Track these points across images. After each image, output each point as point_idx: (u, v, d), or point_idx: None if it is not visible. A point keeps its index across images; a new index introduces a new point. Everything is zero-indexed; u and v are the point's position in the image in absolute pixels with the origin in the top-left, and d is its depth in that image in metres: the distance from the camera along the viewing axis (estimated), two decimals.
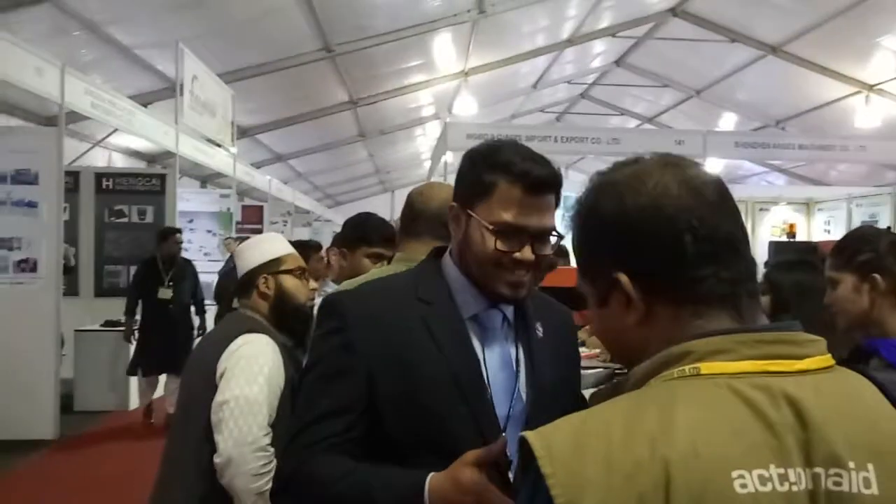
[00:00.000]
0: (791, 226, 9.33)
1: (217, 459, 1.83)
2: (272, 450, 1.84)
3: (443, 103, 13.84)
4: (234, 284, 2.31)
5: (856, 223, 9.38)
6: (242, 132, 11.25)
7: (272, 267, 2.21)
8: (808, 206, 10.21)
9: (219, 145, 9.38)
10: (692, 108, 13.89)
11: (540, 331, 1.38)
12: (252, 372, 1.90)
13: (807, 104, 11.85)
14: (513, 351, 1.35)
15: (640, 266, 0.82)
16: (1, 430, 5.79)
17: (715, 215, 0.82)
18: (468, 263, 1.32)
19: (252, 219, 11.83)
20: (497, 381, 1.30)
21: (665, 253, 0.81)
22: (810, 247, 5.76)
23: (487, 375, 1.30)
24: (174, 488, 2.03)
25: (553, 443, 0.73)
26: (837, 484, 0.72)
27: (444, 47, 10.26)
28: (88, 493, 4.94)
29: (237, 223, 10.65)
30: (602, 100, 15.71)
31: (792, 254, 5.31)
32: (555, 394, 1.32)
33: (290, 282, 2.22)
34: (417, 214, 1.81)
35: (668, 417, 0.72)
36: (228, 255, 8.88)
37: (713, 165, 12.35)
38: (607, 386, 0.86)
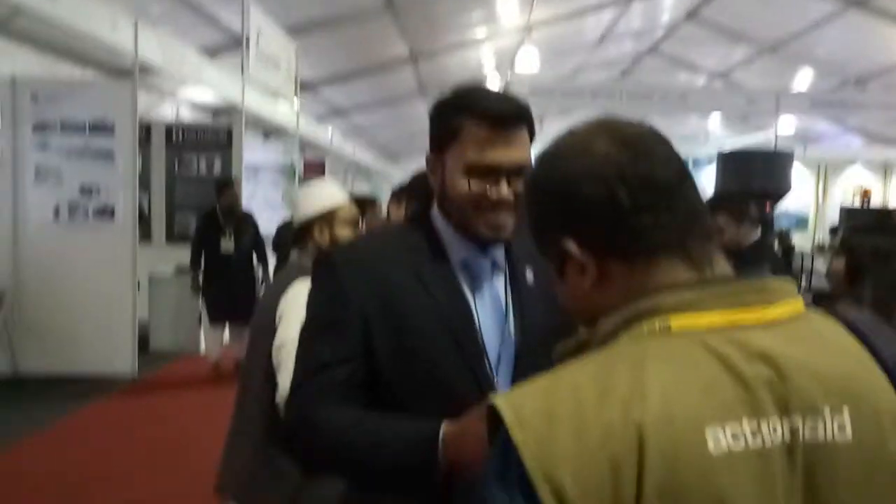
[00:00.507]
0: (866, 191, 8.94)
1: (278, 399, 1.91)
2: None
3: (504, 60, 13.65)
4: (292, 234, 2.37)
5: None
6: (303, 86, 11.36)
7: (327, 217, 2.28)
8: (885, 169, 9.73)
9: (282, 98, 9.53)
10: (766, 63, 13.32)
11: (530, 276, 1.39)
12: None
13: (889, 61, 11.25)
14: (503, 296, 1.37)
15: (583, 229, 0.83)
16: (84, 364, 6.21)
17: (647, 164, 0.82)
18: (450, 211, 1.33)
19: (314, 172, 11.99)
20: (487, 325, 1.32)
21: (603, 210, 0.81)
22: (886, 213, 5.57)
23: (479, 320, 1.32)
24: (243, 431, 2.15)
25: (523, 409, 0.71)
26: (814, 433, 0.72)
27: (506, 0, 10.09)
28: (165, 427, 5.23)
29: (299, 176, 10.82)
30: (670, 55, 15.20)
31: (870, 219, 5.14)
32: (544, 338, 1.27)
33: (343, 232, 2.27)
34: None
35: (640, 379, 0.70)
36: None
37: (786, 124, 11.91)
38: (571, 341, 0.87)
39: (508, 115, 1.27)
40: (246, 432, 2.15)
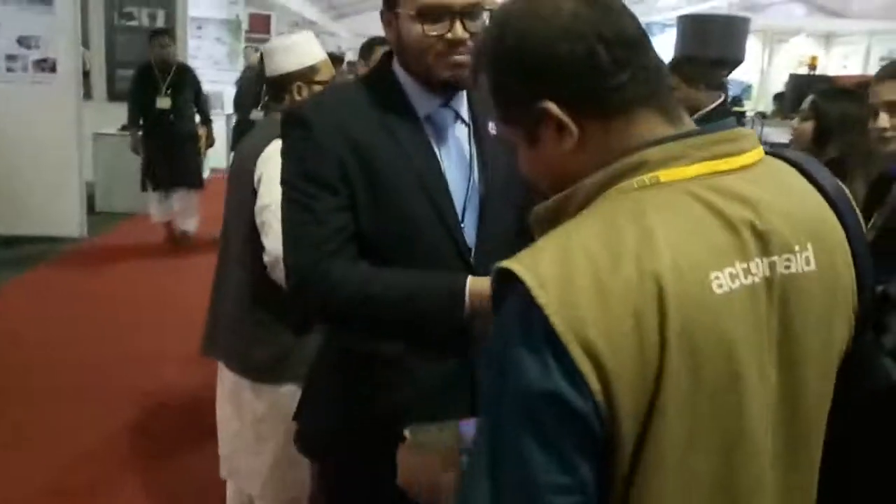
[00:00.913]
0: (813, 58, 9.11)
1: (266, 258, 1.92)
2: None
3: None
4: (260, 88, 2.30)
5: (873, 59, 9.19)
6: None
7: (307, 75, 2.15)
8: (826, 38, 9.89)
9: None
10: None
11: (493, 128, 1.42)
12: None
13: None
14: (466, 147, 1.40)
15: (561, 90, 0.81)
16: (31, 225, 6.10)
17: (617, 19, 0.82)
18: (409, 63, 1.34)
19: (259, 28, 11.45)
20: (454, 176, 1.36)
21: (582, 69, 0.80)
22: (825, 80, 5.74)
23: (445, 171, 1.36)
24: (227, 294, 2.16)
25: (542, 274, 0.71)
26: (787, 267, 0.78)
27: None
28: (115, 290, 5.19)
29: (245, 32, 10.35)
30: None
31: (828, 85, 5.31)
32: (507, 186, 1.39)
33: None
34: None
35: (645, 231, 0.72)
36: (245, 64, 8.69)
37: None
38: (550, 203, 0.85)
39: None
40: (230, 295, 2.16)
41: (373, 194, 1.31)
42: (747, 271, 0.75)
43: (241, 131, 5.23)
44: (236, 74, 10.30)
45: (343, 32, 20.62)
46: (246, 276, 2.09)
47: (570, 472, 0.70)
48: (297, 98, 2.13)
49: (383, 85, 1.38)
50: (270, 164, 1.92)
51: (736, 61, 5.01)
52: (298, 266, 1.32)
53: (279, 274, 1.89)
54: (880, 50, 9.18)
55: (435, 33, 1.28)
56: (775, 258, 0.77)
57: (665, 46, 11.20)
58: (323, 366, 1.53)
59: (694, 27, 5.24)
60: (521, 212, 1.41)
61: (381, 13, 1.36)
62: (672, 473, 0.72)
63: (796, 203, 0.82)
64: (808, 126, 2.40)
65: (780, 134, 4.80)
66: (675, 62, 3.65)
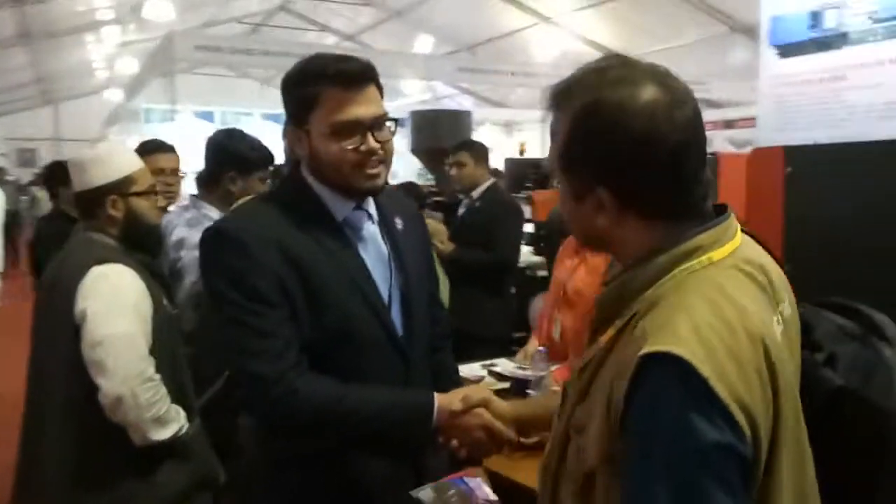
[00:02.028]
0: (522, 144, 10.61)
1: (105, 400, 1.76)
2: (158, 377, 1.82)
3: (125, 6, 12.44)
4: (78, 203, 2.02)
5: (547, 142, 10.95)
6: None
7: (122, 187, 1.98)
8: (507, 126, 11.57)
9: None
10: (391, 27, 14.42)
11: (399, 223, 1.56)
12: (117, 306, 1.81)
13: (494, 31, 13.10)
14: (382, 244, 1.51)
15: (626, 187, 0.93)
16: None
17: (701, 133, 0.93)
18: (325, 175, 1.42)
19: None
20: (376, 272, 1.47)
21: (658, 180, 0.92)
22: (536, 163, 6.68)
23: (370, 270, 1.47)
24: (49, 439, 1.90)
25: (695, 351, 0.83)
26: (783, 314, 0.98)
27: None
28: None
29: None
30: (300, 13, 15.47)
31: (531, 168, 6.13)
32: (419, 274, 1.56)
33: (141, 204, 2.01)
34: None
35: (736, 304, 0.88)
36: None
37: (414, 87, 13.11)
38: (612, 290, 0.97)
39: (360, 73, 1.39)
40: (54, 444, 1.89)
41: (311, 302, 1.37)
42: (777, 321, 0.95)
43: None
44: None
45: None
46: (73, 423, 1.85)
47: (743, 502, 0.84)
48: (112, 212, 1.96)
49: (299, 196, 1.45)
50: (95, 298, 1.82)
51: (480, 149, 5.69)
52: (262, 378, 1.34)
53: (122, 414, 1.77)
54: None
55: (350, 146, 1.38)
56: (780, 307, 0.98)
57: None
58: (263, 472, 1.52)
59: (426, 121, 5.78)
60: (431, 298, 1.66)
61: (286, 130, 1.45)
62: (786, 491, 0.90)
63: (771, 263, 1.02)
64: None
65: None
66: (467, 143, 4.10)
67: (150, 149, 2.67)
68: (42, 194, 10.81)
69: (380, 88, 1.43)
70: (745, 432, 0.83)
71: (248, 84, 17.52)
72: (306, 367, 1.36)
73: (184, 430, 1.89)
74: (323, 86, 1.37)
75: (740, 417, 0.82)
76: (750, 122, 10.02)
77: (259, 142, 2.63)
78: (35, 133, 19.83)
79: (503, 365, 2.91)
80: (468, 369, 2.89)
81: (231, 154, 2.55)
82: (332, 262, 1.40)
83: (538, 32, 11.89)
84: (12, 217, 10.46)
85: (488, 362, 2.96)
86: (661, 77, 0.94)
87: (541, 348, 2.80)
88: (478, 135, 12.11)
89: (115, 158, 2.02)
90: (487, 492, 1.48)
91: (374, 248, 1.49)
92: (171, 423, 1.85)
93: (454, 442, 1.41)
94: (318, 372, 1.38)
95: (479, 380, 2.76)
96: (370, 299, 1.43)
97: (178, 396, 1.91)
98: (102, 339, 1.77)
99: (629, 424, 0.87)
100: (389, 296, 1.48)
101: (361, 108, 1.37)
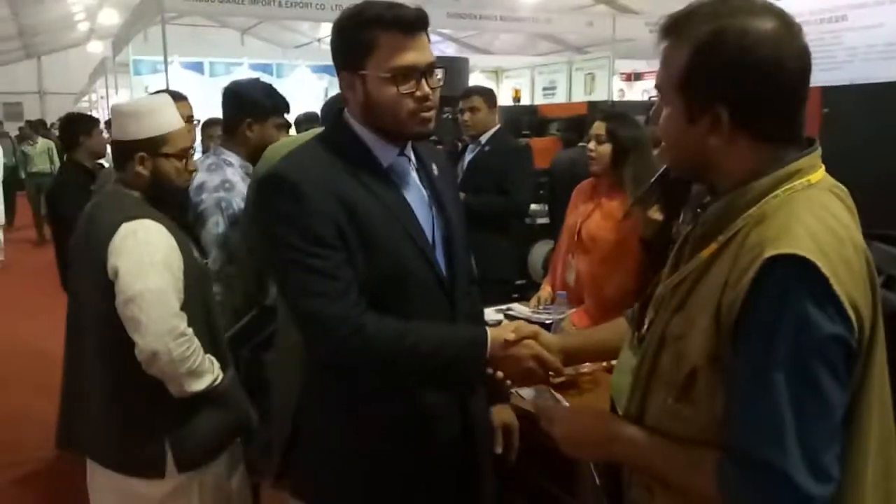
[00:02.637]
0: (517, 91, 10.51)
1: (140, 356, 1.80)
2: (191, 331, 1.85)
3: None
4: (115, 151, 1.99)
5: (538, 89, 10.83)
6: None
7: (153, 146, 1.94)
8: (496, 73, 11.43)
9: None
10: None
11: (435, 169, 1.61)
12: (147, 263, 1.82)
13: None
14: (423, 189, 1.55)
15: (747, 107, 1.01)
16: None
17: (809, 63, 1.04)
18: (379, 120, 1.45)
19: None
20: (421, 215, 1.51)
21: (788, 97, 1.02)
22: (533, 109, 6.61)
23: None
24: (89, 385, 1.95)
25: (816, 252, 0.93)
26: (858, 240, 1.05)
27: None
28: None
29: None
30: None
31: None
32: (458, 218, 1.61)
33: (169, 166, 1.97)
34: None
35: (839, 219, 1.00)
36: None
37: None
38: (721, 204, 1.06)
39: (415, 20, 1.42)
40: (93, 391, 1.94)
41: (364, 245, 1.42)
42: (861, 241, 1.04)
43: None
44: None
45: None
46: (111, 375, 1.89)
47: (846, 392, 0.97)
48: (139, 169, 1.93)
49: (346, 142, 1.49)
50: (125, 255, 1.82)
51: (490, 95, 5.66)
52: (329, 317, 1.37)
53: (158, 368, 1.81)
54: (542, 81, 10.91)
55: (406, 91, 1.41)
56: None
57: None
58: (317, 414, 1.58)
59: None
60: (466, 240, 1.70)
61: (341, 76, 1.46)
62: (876, 374, 1.02)
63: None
64: (607, 148, 2.82)
65: None
66: (479, 88, 4.11)
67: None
68: (31, 149, 10.66)
69: (428, 37, 1.46)
70: (855, 328, 0.95)
71: (230, 33, 17.14)
72: (366, 306, 1.41)
73: (218, 381, 1.93)
74: (381, 31, 1.39)
75: (852, 314, 0.94)
76: None
77: (274, 89, 2.65)
78: (19, 87, 19.43)
79: (518, 309, 2.96)
80: (486, 313, 2.94)
81: (247, 102, 2.59)
82: (381, 207, 1.44)
83: None
84: (11, 172, 10.33)
85: (503, 307, 3.01)
86: (776, 9, 1.02)
87: (561, 292, 2.86)
88: (469, 82, 12.10)
89: (154, 115, 1.97)
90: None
91: (417, 193, 1.53)
92: (206, 374, 1.89)
93: (502, 374, 1.46)
94: (376, 310, 1.42)
95: (497, 324, 2.81)
96: (418, 242, 1.48)
97: (211, 347, 1.95)
98: (134, 295, 1.79)
99: (748, 322, 0.96)
100: (433, 238, 1.53)
101: (417, 55, 1.41)
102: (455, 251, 1.56)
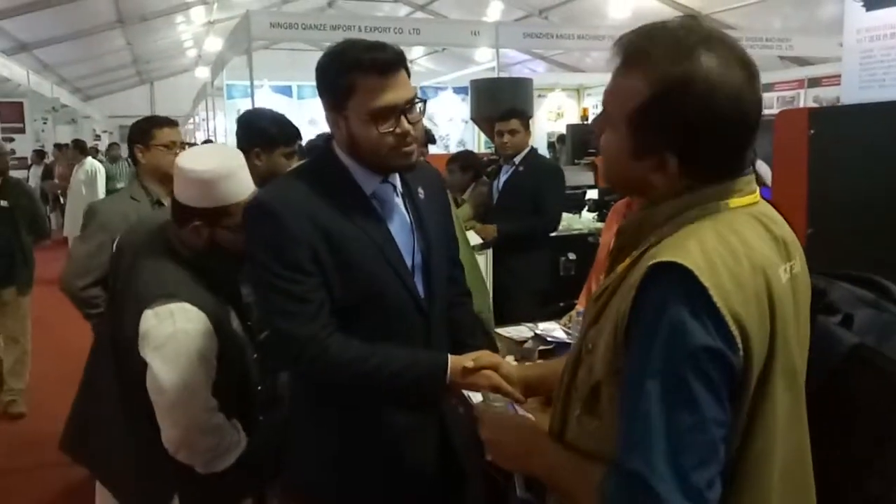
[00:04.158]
0: (585, 110, 10.53)
1: (168, 445, 1.74)
2: (221, 417, 1.79)
3: None
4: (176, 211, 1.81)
5: None
6: None
7: (212, 217, 1.77)
8: (578, 91, 11.44)
9: None
10: None
11: (421, 193, 1.67)
12: (182, 355, 1.70)
13: None
14: (406, 214, 1.63)
15: (698, 158, 1.00)
16: None
17: (761, 102, 1.02)
18: (361, 155, 1.54)
19: (11, 117, 10.39)
20: (401, 240, 1.59)
21: (730, 152, 1.01)
22: None
23: (395, 238, 1.58)
24: (102, 397, 1.92)
25: (699, 265, 0.92)
26: (793, 269, 1.06)
27: None
28: None
29: None
30: None
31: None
32: (439, 241, 1.67)
33: (227, 237, 1.79)
34: None
35: (743, 239, 0.98)
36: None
37: (486, 55, 13.10)
38: (635, 219, 1.08)
39: (392, 60, 1.48)
40: (105, 405, 1.89)
41: (341, 270, 1.50)
42: (785, 270, 1.03)
43: None
44: None
45: (96, 115, 19.40)
46: (130, 406, 1.81)
47: (724, 409, 0.93)
48: (192, 238, 1.79)
49: (331, 171, 1.57)
50: (153, 345, 1.70)
51: (528, 116, 5.72)
52: (298, 337, 1.48)
53: (185, 457, 1.75)
54: None
55: (386, 130, 1.49)
56: (790, 263, 1.06)
57: (439, 108, 12.17)
58: (306, 426, 1.68)
59: (487, 89, 5.87)
60: (450, 262, 1.77)
61: (327, 114, 1.55)
62: (778, 403, 0.99)
63: (785, 225, 1.10)
64: None
65: (579, 176, 5.49)
66: (518, 110, 4.25)
67: (159, 123, 2.85)
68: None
69: (408, 72, 1.53)
70: (737, 343, 0.92)
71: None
72: (336, 328, 1.50)
73: (241, 448, 1.83)
74: (359, 74, 1.46)
75: (733, 328, 0.92)
76: (837, 79, 9.59)
77: (283, 119, 2.72)
78: (132, 111, 20.93)
79: (546, 327, 3.03)
80: (515, 331, 3.02)
81: (255, 131, 2.66)
82: (360, 233, 1.52)
83: None
84: None
85: (532, 324, 3.09)
86: (738, 51, 1.00)
87: (580, 310, 2.91)
88: (546, 100, 12.19)
89: (218, 185, 1.76)
90: (527, 415, 1.56)
91: (398, 218, 1.61)
92: (231, 452, 1.82)
93: (455, 400, 1.53)
94: (349, 332, 1.52)
95: (524, 341, 2.88)
96: (395, 266, 1.55)
97: (241, 406, 1.89)
98: (167, 388, 1.70)
99: (633, 329, 0.96)
100: (413, 262, 1.61)
101: (395, 94, 1.47)
102: (434, 274, 1.64)
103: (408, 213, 1.64)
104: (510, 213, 4.02)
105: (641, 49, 1.01)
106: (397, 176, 1.63)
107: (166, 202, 2.60)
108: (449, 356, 1.55)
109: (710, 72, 0.96)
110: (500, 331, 3.00)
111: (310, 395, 1.67)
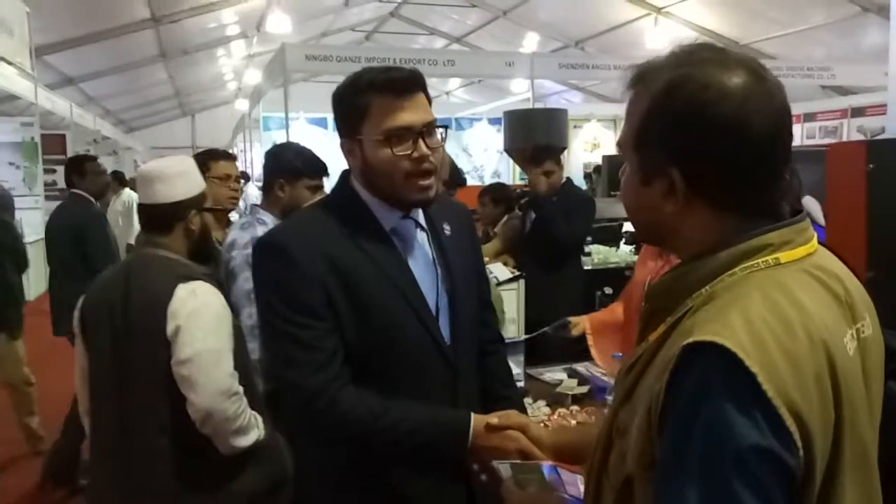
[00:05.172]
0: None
1: (195, 414, 1.84)
2: (242, 389, 1.90)
3: (249, 21, 13.21)
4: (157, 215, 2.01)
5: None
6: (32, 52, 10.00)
7: (201, 202, 2.06)
8: (615, 122, 11.34)
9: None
10: (497, 28, 14.47)
11: (447, 230, 1.56)
12: (206, 323, 1.87)
13: (603, 25, 12.91)
14: (429, 251, 1.52)
15: (701, 172, 0.87)
16: None
17: (788, 128, 0.89)
18: (378, 185, 1.43)
19: (54, 149, 10.66)
20: (423, 281, 1.47)
21: (738, 169, 0.86)
22: None
23: (416, 277, 1.47)
24: (135, 454, 1.94)
25: (743, 344, 0.77)
26: (862, 332, 0.92)
27: None
28: None
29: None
30: (411, 18, 15.83)
31: None
32: (467, 282, 1.56)
33: (209, 219, 2.12)
34: None
35: (799, 305, 0.82)
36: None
37: (522, 86, 13.12)
38: (667, 279, 0.93)
39: (408, 81, 1.40)
40: (145, 463, 1.93)
41: (357, 311, 1.39)
42: (852, 336, 0.89)
43: None
44: (36, 199, 9.48)
45: (137, 146, 19.87)
46: (166, 440, 1.90)
47: None
48: (191, 227, 2.03)
49: (348, 205, 1.47)
50: (184, 316, 1.85)
51: (562, 147, 5.59)
52: (305, 389, 1.36)
53: (212, 426, 1.85)
54: None
55: (402, 153, 1.38)
56: (858, 325, 0.91)
57: (474, 139, 12.18)
58: (320, 485, 1.53)
59: (520, 120, 5.79)
60: (478, 302, 1.63)
61: (342, 143, 1.46)
62: (847, 501, 0.84)
63: (851, 278, 0.96)
64: None
65: (615, 207, 5.35)
66: (552, 149, 4.20)
67: (216, 156, 2.88)
68: None
69: (427, 97, 1.45)
70: (795, 440, 0.76)
71: None
72: (348, 379, 1.38)
73: (262, 436, 1.96)
74: (373, 95, 1.38)
75: (790, 422, 0.76)
76: (882, 108, 9.30)
77: (309, 152, 2.75)
78: (174, 142, 21.39)
79: (585, 367, 2.90)
80: (547, 372, 2.91)
81: (280, 163, 2.68)
82: (379, 273, 1.41)
83: (649, 23, 11.56)
84: None
85: (567, 365, 2.97)
86: (754, 65, 0.89)
87: (617, 353, 2.78)
88: (581, 131, 12.11)
89: (194, 174, 2.09)
90: (581, 490, 1.23)
91: (421, 256, 1.50)
92: (252, 430, 1.93)
93: (478, 466, 1.37)
94: (367, 379, 1.39)
95: (558, 383, 2.76)
96: (416, 308, 1.44)
97: (250, 403, 1.96)
98: (193, 356, 1.82)
99: (666, 421, 0.81)
100: (437, 303, 1.49)
101: (411, 115, 1.39)
102: (460, 316, 1.51)
103: (431, 250, 1.53)
104: (542, 245, 3.92)
105: (642, 68, 0.94)
106: (420, 211, 1.52)
107: (218, 235, 2.67)
108: (472, 415, 1.42)
109: (708, 73, 0.87)
110: (531, 372, 2.90)
111: (316, 446, 1.53)
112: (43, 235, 4.46)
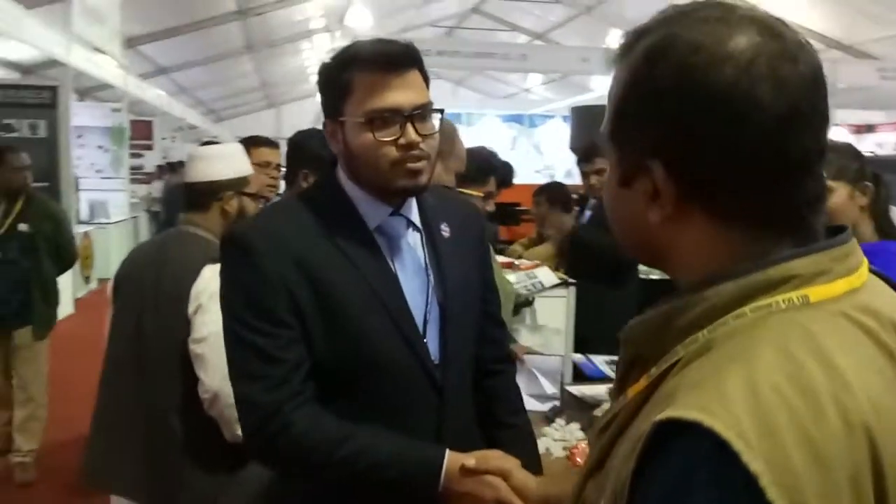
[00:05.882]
0: None
1: (205, 395, 1.83)
2: None
3: (333, 15, 13.49)
4: (192, 194, 2.10)
5: None
6: (125, 42, 10.55)
7: (240, 185, 2.11)
8: None
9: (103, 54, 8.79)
10: (581, 24, 14.24)
11: (446, 231, 1.35)
12: None
13: None
14: (421, 254, 1.32)
15: (690, 164, 0.64)
16: None
17: (820, 106, 0.64)
18: (361, 175, 1.25)
19: (141, 134, 11.24)
20: (411, 288, 1.28)
21: (743, 162, 0.62)
22: None
23: (402, 284, 1.27)
24: (145, 430, 1.97)
25: (742, 428, 0.53)
26: None
27: None
28: None
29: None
30: (492, 14, 15.78)
31: None
32: (465, 292, 1.34)
33: (251, 205, 2.14)
34: None
35: (832, 368, 0.57)
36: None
37: (601, 83, 12.86)
38: (652, 317, 0.67)
39: (397, 55, 1.21)
40: (152, 432, 1.97)
41: (326, 320, 1.20)
42: None
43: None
44: (121, 182, 9.97)
45: (225, 135, 20.61)
46: (177, 414, 1.93)
47: None
48: (227, 207, 2.07)
49: (329, 199, 1.28)
50: (207, 295, 1.84)
51: None
52: (256, 407, 1.19)
53: (218, 410, 1.83)
54: None
55: (387, 139, 1.19)
56: None
57: (545, 136, 12.04)
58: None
59: (585, 117, 5.68)
60: (479, 316, 1.41)
61: (324, 124, 1.28)
62: None
63: None
64: None
65: None
66: (597, 146, 3.99)
67: (258, 143, 2.87)
68: None
69: (424, 76, 1.25)
70: None
71: (442, 84, 18.21)
72: (309, 396, 1.19)
73: None
74: (357, 70, 1.19)
75: None
76: None
77: None
78: (260, 133, 22.07)
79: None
80: (589, 391, 2.60)
81: (305, 152, 2.55)
82: (356, 276, 1.22)
83: None
84: None
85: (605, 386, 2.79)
86: (769, 21, 0.65)
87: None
88: None
89: (237, 158, 2.16)
90: None
91: (411, 260, 1.30)
92: None
93: None
94: (338, 399, 1.21)
95: (598, 404, 2.53)
96: (397, 319, 1.24)
97: None
98: (208, 335, 1.81)
99: None
100: (426, 314, 1.29)
101: (400, 95, 1.19)
102: (451, 330, 1.30)
103: (424, 254, 1.32)
104: (587, 251, 3.72)
105: (629, 36, 0.70)
106: (413, 206, 1.32)
107: None
108: (447, 452, 1.19)
109: (705, 33, 0.63)
110: (571, 389, 2.64)
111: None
112: (128, 216, 4.49)
